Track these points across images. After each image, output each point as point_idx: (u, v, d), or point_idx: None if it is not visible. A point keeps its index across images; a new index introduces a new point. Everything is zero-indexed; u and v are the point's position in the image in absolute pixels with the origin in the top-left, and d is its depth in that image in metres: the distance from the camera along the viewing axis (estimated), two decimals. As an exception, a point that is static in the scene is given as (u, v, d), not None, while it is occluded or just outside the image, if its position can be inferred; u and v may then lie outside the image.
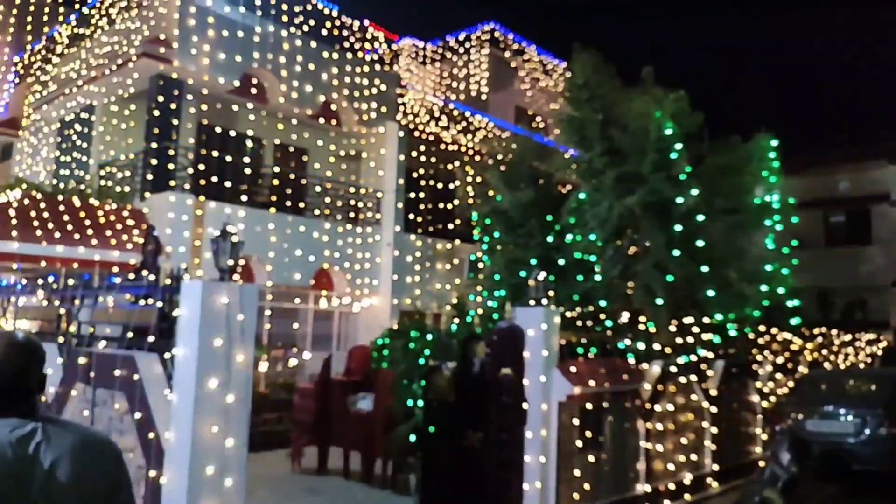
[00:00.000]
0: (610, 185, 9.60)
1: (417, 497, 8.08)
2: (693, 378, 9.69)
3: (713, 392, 10.03)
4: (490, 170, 11.64)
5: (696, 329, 9.77)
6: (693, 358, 9.59)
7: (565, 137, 10.71)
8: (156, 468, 5.05)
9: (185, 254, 12.93)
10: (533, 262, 8.86)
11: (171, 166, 13.12)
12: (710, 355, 9.94)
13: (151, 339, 5.63)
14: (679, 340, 9.72)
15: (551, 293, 8.06)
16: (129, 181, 13.93)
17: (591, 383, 8.26)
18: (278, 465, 10.15)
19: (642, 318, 9.77)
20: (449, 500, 7.91)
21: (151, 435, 5.20)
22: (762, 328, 11.58)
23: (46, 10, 20.77)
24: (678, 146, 9.73)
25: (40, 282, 7.44)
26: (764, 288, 10.27)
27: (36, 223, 11.36)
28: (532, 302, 8.15)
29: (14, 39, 20.33)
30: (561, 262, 9.52)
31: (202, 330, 4.91)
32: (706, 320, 9.88)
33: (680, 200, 9.50)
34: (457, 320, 9.68)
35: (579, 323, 9.12)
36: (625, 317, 9.67)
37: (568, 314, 8.89)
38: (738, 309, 10.06)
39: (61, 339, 6.98)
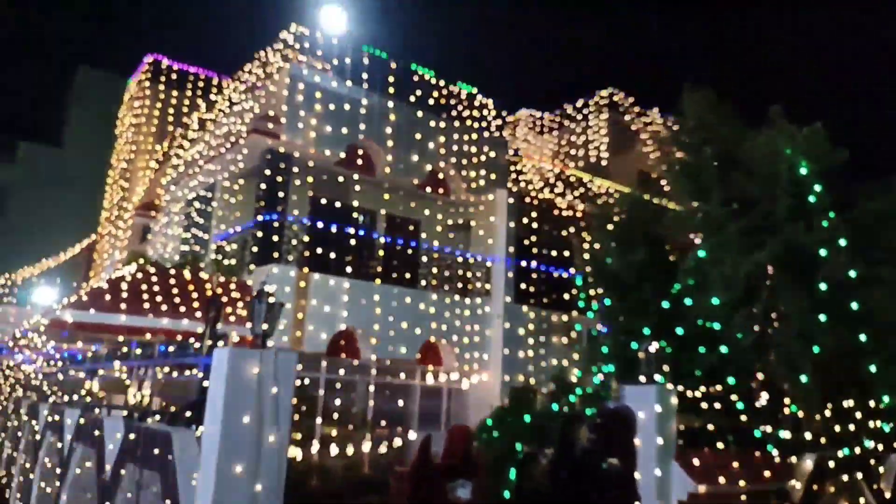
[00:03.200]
0: (734, 238, 8.18)
1: None
2: (859, 476, 7.80)
3: (888, 494, 8.03)
4: (600, 231, 10.53)
5: (858, 414, 7.92)
6: (857, 451, 7.75)
7: (679, 188, 9.44)
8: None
9: (287, 328, 12.72)
10: (646, 331, 7.64)
11: (275, 238, 13.15)
12: (880, 447, 8.01)
13: (188, 413, 5.06)
14: (837, 428, 7.91)
15: (666, 368, 6.77)
16: (240, 254, 14.15)
17: (721, 480, 6.76)
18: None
19: (786, 401, 8.07)
20: None
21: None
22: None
23: (186, 101, 22.55)
24: (817, 188, 8.17)
25: (116, 352, 7.24)
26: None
27: (145, 296, 11.59)
28: (643, 378, 6.88)
29: (157, 130, 22.15)
30: (680, 331, 8.16)
31: (227, 404, 4.25)
32: (871, 403, 8.01)
33: (824, 253, 7.88)
34: (558, 400, 8.49)
35: (704, 405, 7.61)
36: (762, 398, 8.05)
37: (689, 393, 7.47)
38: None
39: (125, 413, 6.64)
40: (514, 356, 15.68)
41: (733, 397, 7.73)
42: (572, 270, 17.51)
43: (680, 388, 7.05)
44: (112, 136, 24.33)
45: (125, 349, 7.16)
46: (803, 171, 8.07)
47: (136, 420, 6.20)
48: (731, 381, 7.58)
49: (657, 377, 6.78)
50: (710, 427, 7.10)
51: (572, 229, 17.61)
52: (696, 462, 6.76)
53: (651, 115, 26.09)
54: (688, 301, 8.47)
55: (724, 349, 7.90)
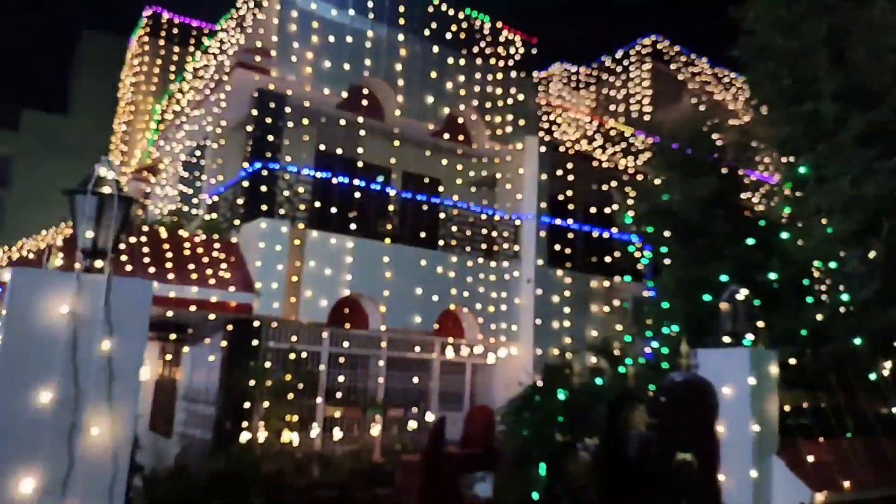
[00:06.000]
0: (850, 146, 5.95)
1: None
2: None
3: None
4: (657, 165, 8.35)
5: None
6: None
7: (765, 77, 7.13)
8: None
9: (279, 291, 10.86)
10: (723, 278, 5.59)
11: (263, 189, 11.25)
12: None
13: None
14: None
15: (761, 323, 4.65)
16: (229, 211, 12.32)
17: (846, 485, 4.66)
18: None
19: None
20: None
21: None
22: None
23: (188, 58, 20.75)
24: None
25: None
26: None
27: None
28: (727, 339, 4.77)
29: (157, 89, 20.43)
30: (773, 275, 6.02)
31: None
32: None
33: None
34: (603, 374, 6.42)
35: (809, 377, 5.48)
36: (886, 367, 5.87)
37: (790, 361, 5.34)
38: None
39: None
40: (548, 327, 13.62)
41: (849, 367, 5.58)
42: (615, 230, 15.33)
43: (778, 352, 4.91)
44: (117, 100, 22.82)
45: None
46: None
47: None
48: (855, 342, 5.41)
49: (748, 336, 4.66)
50: (824, 406, 4.96)
51: (614, 183, 15.40)
52: (809, 459, 4.65)
53: (700, 64, 23.68)
54: (784, 234, 6.31)
55: (844, 297, 5.74)
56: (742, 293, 4.87)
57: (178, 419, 12.99)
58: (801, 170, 6.37)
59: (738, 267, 6.20)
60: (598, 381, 6.14)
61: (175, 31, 21.00)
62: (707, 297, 5.86)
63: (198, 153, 14.58)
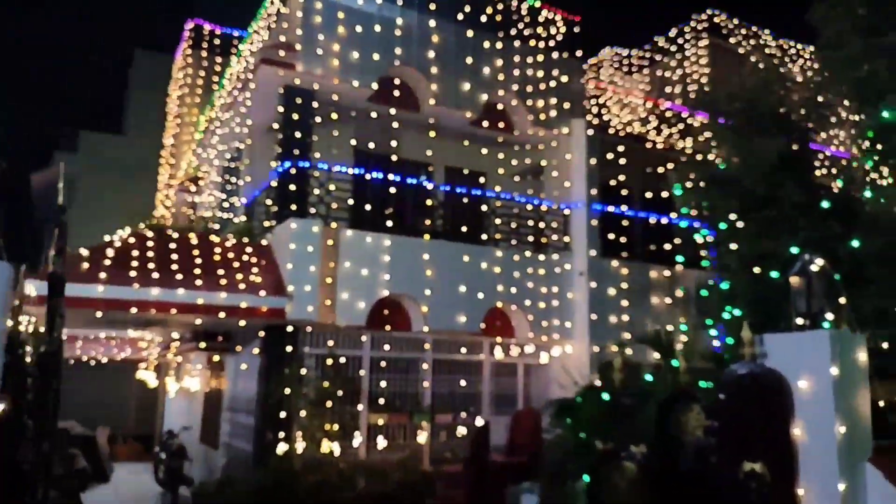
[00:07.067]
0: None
1: None
2: None
3: None
4: (717, 131, 7.34)
5: None
6: None
7: (838, 3, 6.07)
8: None
9: (312, 294, 10.34)
10: (794, 250, 4.67)
11: (292, 188, 10.78)
12: None
13: None
14: None
15: (843, 300, 3.72)
16: (264, 213, 11.94)
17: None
18: None
19: None
20: None
21: None
22: None
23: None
24: None
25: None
26: None
27: (134, 264, 9.53)
28: (800, 321, 3.86)
29: (201, 100, 20.46)
30: (855, 243, 5.02)
31: None
32: None
33: None
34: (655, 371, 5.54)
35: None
36: None
37: (883, 345, 4.35)
38: None
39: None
40: (604, 322, 12.66)
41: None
42: (674, 215, 14.21)
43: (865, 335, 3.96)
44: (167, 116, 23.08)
45: None
46: None
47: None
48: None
49: (828, 317, 3.74)
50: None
51: (671, 165, 14.29)
52: (914, 467, 3.69)
53: (763, 35, 22.19)
54: (867, 192, 5.29)
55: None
56: (817, 263, 3.96)
57: (224, 430, 12.69)
58: (885, 114, 5.30)
59: (813, 238, 5.22)
60: (649, 377, 5.29)
61: (217, 41, 21.03)
62: (776, 275, 4.93)
63: (230, 157, 14.31)
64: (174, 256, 10.00)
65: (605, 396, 5.21)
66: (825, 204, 5.56)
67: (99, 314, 9.10)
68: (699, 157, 8.09)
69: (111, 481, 14.98)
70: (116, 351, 21.26)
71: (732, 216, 6.29)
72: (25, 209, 27.87)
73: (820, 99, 7.18)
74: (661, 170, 14.45)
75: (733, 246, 6.31)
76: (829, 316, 3.89)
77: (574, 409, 5.47)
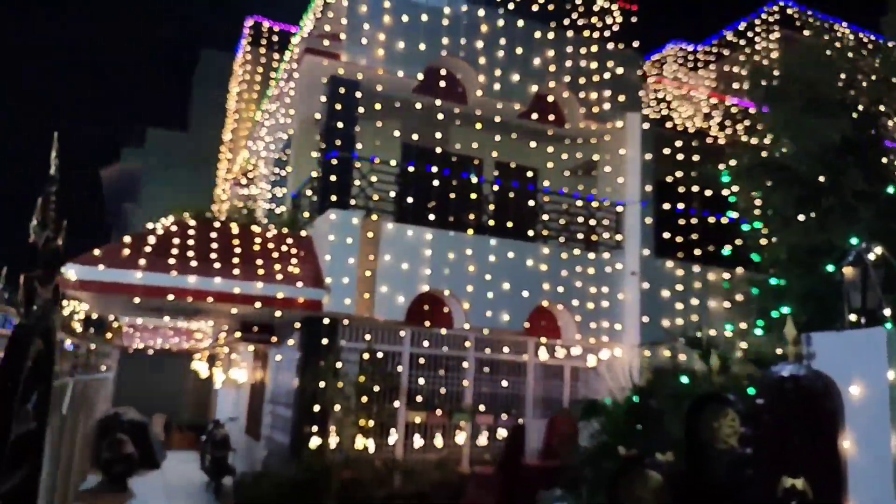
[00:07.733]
0: None
1: None
2: None
3: None
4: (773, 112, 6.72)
5: None
6: None
7: None
8: None
9: (350, 286, 10.16)
10: (854, 241, 4.13)
11: (332, 179, 10.63)
12: None
13: None
14: None
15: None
16: (306, 204, 11.86)
17: None
18: None
19: None
20: None
21: None
22: None
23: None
24: None
25: None
26: None
27: (174, 251, 9.56)
28: (853, 317, 3.35)
29: (259, 97, 20.72)
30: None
31: None
32: None
33: None
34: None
35: None
36: None
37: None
38: None
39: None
40: (656, 325, 12.01)
41: None
42: (735, 215, 13.39)
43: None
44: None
45: None
46: None
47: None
48: None
49: (885, 313, 3.22)
50: None
51: (732, 162, 13.47)
52: None
53: (839, 29, 20.87)
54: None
55: None
56: (876, 251, 3.43)
57: (265, 422, 12.69)
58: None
59: (875, 228, 4.64)
60: (684, 378, 4.80)
61: (275, 38, 21.30)
62: (831, 268, 4.38)
63: (276, 148, 14.32)
64: (214, 245, 9.99)
65: (635, 398, 4.77)
66: (891, 189, 4.95)
67: (137, 300, 9.16)
68: (753, 140, 7.45)
69: (161, 468, 15.24)
70: (177, 341, 21.80)
71: (780, 207, 5.71)
72: (95, 201, 28.98)
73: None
74: (722, 167, 13.65)
75: (782, 238, 5.75)
76: (888, 312, 3.36)
77: (601, 412, 5.03)
